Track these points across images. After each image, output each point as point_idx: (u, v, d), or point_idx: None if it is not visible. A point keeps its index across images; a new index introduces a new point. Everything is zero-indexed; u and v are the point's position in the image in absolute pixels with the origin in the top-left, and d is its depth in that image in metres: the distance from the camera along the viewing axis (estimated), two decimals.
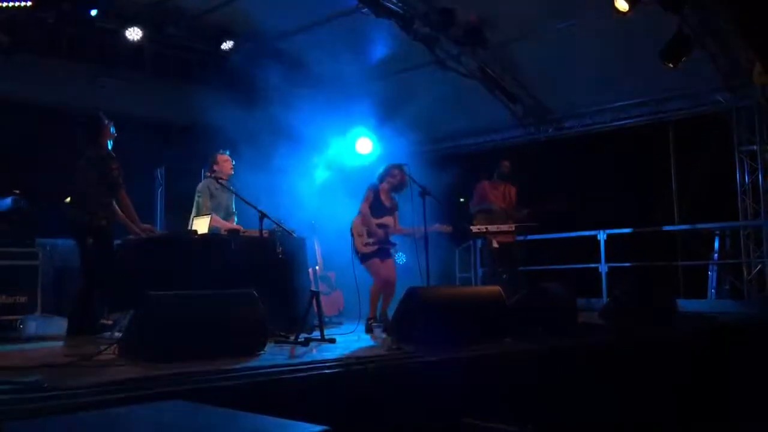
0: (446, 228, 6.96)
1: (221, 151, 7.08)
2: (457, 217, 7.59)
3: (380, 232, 6.90)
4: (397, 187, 7.10)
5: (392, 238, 7.03)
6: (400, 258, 6.99)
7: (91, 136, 5.96)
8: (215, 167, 6.97)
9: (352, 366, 3.94)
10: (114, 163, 5.81)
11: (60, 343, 5.68)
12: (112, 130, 6.07)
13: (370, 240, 6.85)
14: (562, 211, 8.16)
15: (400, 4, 8.66)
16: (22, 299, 6.99)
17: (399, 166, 7.10)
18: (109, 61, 8.53)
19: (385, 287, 6.91)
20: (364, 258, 6.89)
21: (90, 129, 5.99)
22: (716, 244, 9.92)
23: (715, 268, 9.83)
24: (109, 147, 5.99)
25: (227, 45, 9.08)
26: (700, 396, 5.86)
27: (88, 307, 5.74)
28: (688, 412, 5.72)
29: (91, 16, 7.82)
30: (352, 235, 6.93)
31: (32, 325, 6.52)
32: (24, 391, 3.05)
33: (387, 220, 7.02)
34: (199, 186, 7.04)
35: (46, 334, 6.35)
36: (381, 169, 7.20)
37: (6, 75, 7.75)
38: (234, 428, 2.28)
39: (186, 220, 7.07)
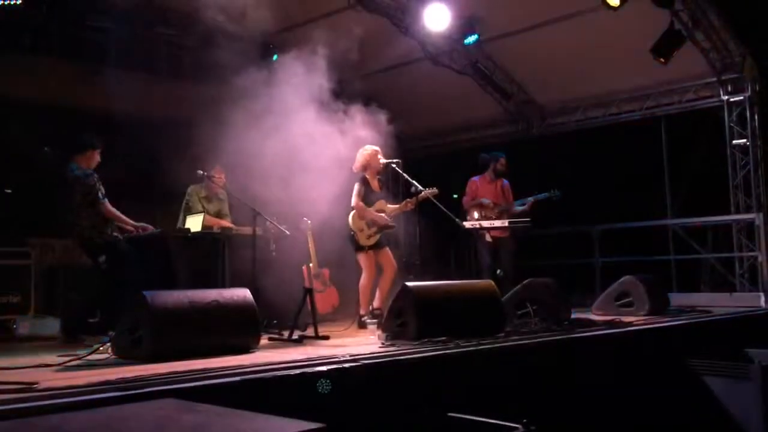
0: (432, 192, 6.94)
1: (217, 166, 7.09)
2: (449, 212, 7.56)
3: (381, 218, 6.92)
4: (379, 169, 7.13)
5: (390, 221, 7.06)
6: None
7: (79, 151, 5.95)
8: (210, 177, 7.01)
9: (345, 363, 3.94)
10: (90, 180, 5.82)
11: (53, 343, 5.67)
12: (98, 157, 6.08)
13: (373, 230, 6.87)
14: (554, 201, 8.15)
15: (391, 0, 8.65)
16: (15, 299, 6.98)
17: (376, 149, 7.14)
18: (100, 58, 8.48)
19: (375, 277, 6.93)
20: (359, 249, 6.90)
21: (80, 147, 5.99)
22: (709, 238, 9.97)
23: (708, 261, 9.87)
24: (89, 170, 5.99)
25: (218, 41, 9.04)
26: (695, 389, 5.89)
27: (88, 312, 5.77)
28: (684, 406, 5.74)
29: (82, 14, 7.82)
30: (353, 231, 6.93)
31: (25, 325, 6.52)
32: (17, 390, 3.04)
33: (380, 204, 7.06)
34: (189, 189, 7.06)
35: (40, 333, 6.34)
36: (361, 158, 7.16)
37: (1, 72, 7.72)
38: (227, 426, 2.28)
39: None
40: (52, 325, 6.53)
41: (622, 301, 7.37)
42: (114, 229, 5.89)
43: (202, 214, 6.73)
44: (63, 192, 5.99)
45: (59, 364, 4.09)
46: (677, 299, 8.23)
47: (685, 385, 5.87)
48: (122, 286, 5.52)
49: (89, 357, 4.33)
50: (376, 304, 6.86)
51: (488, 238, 7.79)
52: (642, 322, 6.50)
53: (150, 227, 6.18)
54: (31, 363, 4.17)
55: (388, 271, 6.96)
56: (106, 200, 5.81)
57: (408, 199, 7.01)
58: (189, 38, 9.09)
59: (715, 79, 9.16)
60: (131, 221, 5.92)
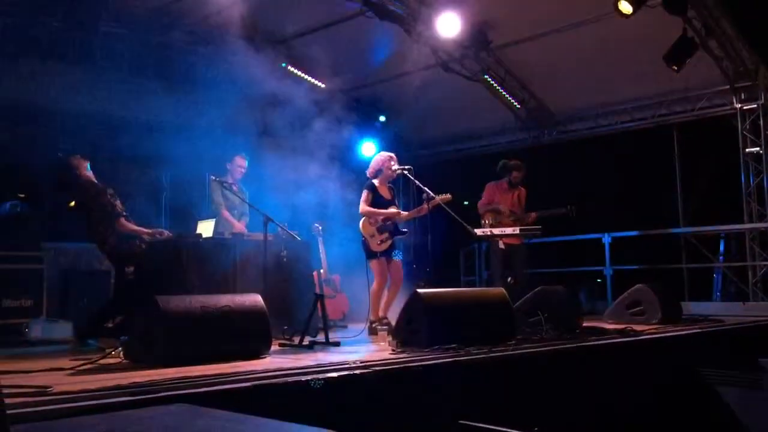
0: (445, 197, 6.94)
1: (240, 154, 7.19)
2: (460, 219, 7.56)
3: (390, 223, 6.93)
4: (391, 177, 7.15)
5: (401, 226, 7.05)
6: (397, 255, 7.01)
7: (70, 178, 5.98)
8: (228, 167, 7.09)
9: (356, 369, 3.94)
10: (103, 198, 5.85)
11: (66, 347, 5.70)
12: (89, 167, 6.09)
13: (384, 236, 6.87)
14: (570, 217, 8.13)
15: (403, 7, 8.67)
16: (28, 303, 7.02)
17: (390, 156, 7.15)
18: (113, 64, 8.54)
19: (387, 286, 6.93)
20: (371, 255, 6.90)
21: (64, 173, 6.02)
22: (722, 247, 9.91)
23: (721, 270, 9.81)
24: (89, 169, 6.01)
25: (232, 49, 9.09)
26: (707, 399, 5.85)
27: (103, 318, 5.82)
28: (694, 415, 5.70)
29: (96, 22, 7.89)
30: (363, 236, 6.94)
31: (38, 329, 6.55)
32: (30, 394, 3.05)
33: (391, 210, 7.04)
34: (208, 184, 7.13)
35: (52, 337, 6.37)
36: (372, 164, 7.19)
37: (11, 79, 7.77)
38: None
39: (191, 223, 7.09)
40: (64, 329, 6.55)
41: (634, 310, 7.33)
42: (141, 239, 5.95)
43: (213, 219, 6.76)
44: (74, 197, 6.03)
45: (72, 368, 4.11)
46: (689, 308, 8.19)
47: (697, 395, 5.83)
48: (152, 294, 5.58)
49: (102, 361, 4.35)
50: (381, 313, 6.87)
51: (501, 245, 7.77)
52: (654, 330, 6.46)
53: (165, 232, 6.22)
54: (44, 367, 4.19)
55: (393, 282, 6.96)
56: (123, 216, 5.86)
57: (421, 206, 7.02)
58: (202, 45, 9.14)
59: (728, 87, 9.12)
60: (146, 229, 5.97)
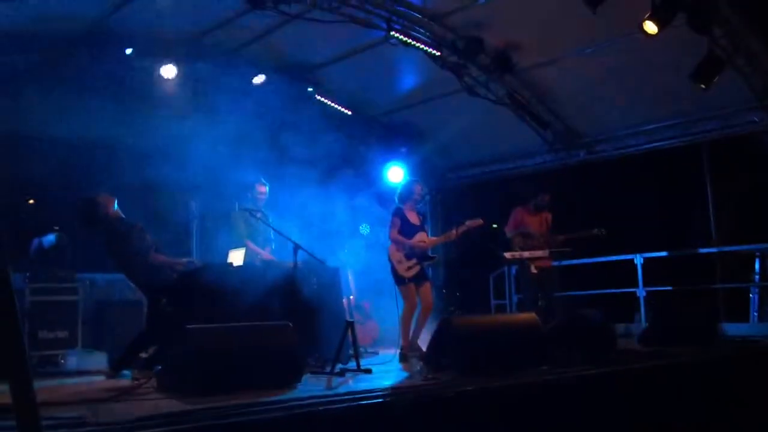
0: (476, 222, 6.93)
1: (259, 180, 7.27)
2: (490, 242, 7.56)
3: (420, 245, 6.95)
4: (420, 201, 7.19)
5: (430, 252, 7.07)
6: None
7: (98, 216, 6.03)
8: (249, 195, 7.15)
9: (388, 397, 3.94)
10: (135, 233, 5.93)
11: (101, 378, 5.77)
12: (116, 205, 6.14)
13: (412, 262, 6.88)
14: (600, 239, 8.08)
15: (428, 34, 8.75)
16: (63, 334, 7.13)
17: (418, 182, 7.21)
18: (142, 95, 8.70)
19: (418, 311, 6.93)
20: (400, 281, 6.91)
21: (92, 211, 6.03)
22: (757, 266, 9.72)
23: (757, 290, 9.62)
24: (116, 207, 6.11)
25: (259, 79, 9.24)
26: (743, 423, 5.72)
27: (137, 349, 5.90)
28: None
29: (125, 54, 8.07)
30: (391, 262, 6.97)
31: (73, 360, 6.64)
32: (66, 426, 3.09)
33: (421, 236, 7.06)
34: (232, 215, 7.19)
35: (87, 368, 6.45)
36: (400, 191, 7.25)
37: (44, 111, 7.95)
38: None
39: (221, 252, 7.16)
40: (99, 360, 6.64)
41: (668, 332, 7.21)
42: (173, 269, 6.03)
43: (244, 248, 6.82)
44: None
45: (107, 399, 4.16)
46: (726, 329, 8.04)
47: (734, 419, 5.71)
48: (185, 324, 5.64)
49: (136, 392, 4.39)
50: (411, 338, 6.85)
51: (533, 269, 7.73)
52: (689, 353, 6.35)
53: (196, 261, 6.29)
54: (80, 398, 4.24)
55: (424, 307, 6.96)
56: (153, 249, 5.95)
57: (450, 231, 7.03)
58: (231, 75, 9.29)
59: (757, 103, 9.01)
60: (178, 260, 6.05)
